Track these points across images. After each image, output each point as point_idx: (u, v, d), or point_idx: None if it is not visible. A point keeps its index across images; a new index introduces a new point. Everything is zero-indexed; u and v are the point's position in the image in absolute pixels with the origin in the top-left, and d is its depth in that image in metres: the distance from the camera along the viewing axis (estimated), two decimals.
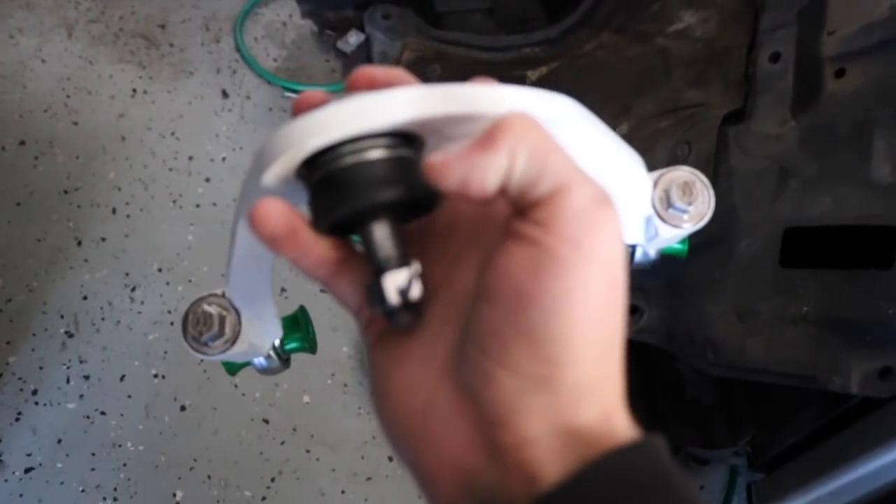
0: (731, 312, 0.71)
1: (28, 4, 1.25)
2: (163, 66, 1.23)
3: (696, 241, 0.39)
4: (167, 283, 1.08)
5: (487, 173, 0.22)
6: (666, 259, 0.39)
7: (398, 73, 0.27)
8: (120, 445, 0.99)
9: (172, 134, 1.18)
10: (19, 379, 1.01)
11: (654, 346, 0.78)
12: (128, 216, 1.11)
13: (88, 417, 1.00)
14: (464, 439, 0.24)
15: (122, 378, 1.02)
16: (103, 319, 1.05)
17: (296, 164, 0.24)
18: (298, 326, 0.40)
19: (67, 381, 1.02)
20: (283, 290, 1.05)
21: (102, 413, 1.00)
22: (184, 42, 1.25)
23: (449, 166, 0.23)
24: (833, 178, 0.69)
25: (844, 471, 0.74)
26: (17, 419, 0.99)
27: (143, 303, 1.06)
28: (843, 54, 0.73)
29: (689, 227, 0.34)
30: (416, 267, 0.25)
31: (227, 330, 0.33)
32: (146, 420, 1.00)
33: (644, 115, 0.89)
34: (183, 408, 1.01)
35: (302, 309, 0.41)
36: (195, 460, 0.99)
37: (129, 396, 1.01)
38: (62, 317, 1.05)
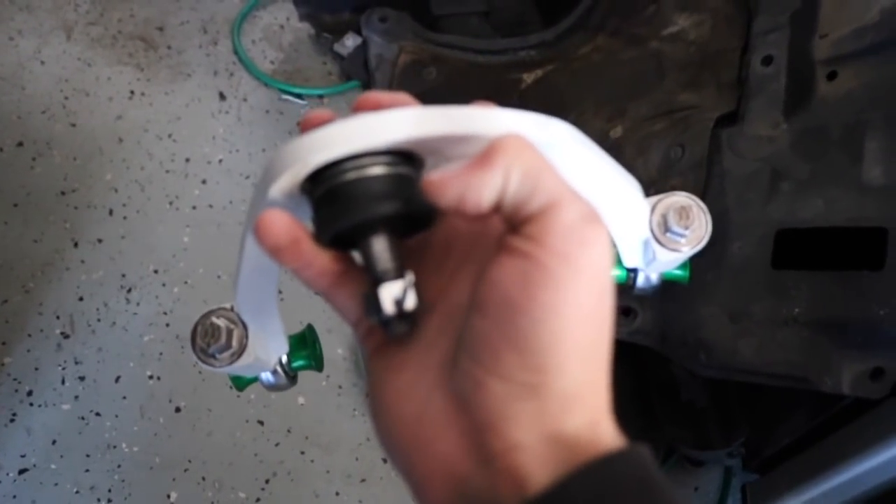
0: (723, 314, 0.72)
1: (28, 6, 1.25)
2: (160, 69, 1.23)
3: None
4: (163, 285, 1.08)
5: (483, 190, 0.23)
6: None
7: (402, 97, 0.28)
8: (114, 446, 0.99)
9: (169, 136, 1.18)
10: (14, 380, 1.01)
11: (648, 347, 0.79)
12: (124, 218, 1.12)
13: (83, 418, 1.00)
14: (455, 445, 0.24)
15: (117, 379, 1.03)
16: (99, 320, 1.05)
17: (301, 178, 0.25)
18: (306, 344, 0.42)
19: (63, 381, 1.02)
20: (279, 291, 1.05)
21: (97, 414, 1.00)
22: (182, 44, 1.25)
23: (447, 183, 0.24)
24: (825, 181, 0.69)
25: (838, 471, 0.74)
26: (12, 420, 0.99)
27: (138, 304, 1.06)
28: (835, 57, 0.73)
29: (686, 250, 0.35)
30: (410, 278, 0.26)
31: (234, 343, 0.35)
32: (141, 421, 1.00)
33: (638, 118, 0.90)
34: (178, 409, 1.01)
35: (310, 327, 0.42)
36: (190, 461, 0.99)
37: (124, 397, 1.01)
38: (58, 318, 1.05)
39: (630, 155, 0.85)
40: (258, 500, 0.98)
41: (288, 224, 0.25)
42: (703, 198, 0.76)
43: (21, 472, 0.97)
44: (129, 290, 1.07)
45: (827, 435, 0.78)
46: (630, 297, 0.79)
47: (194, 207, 1.13)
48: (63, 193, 1.12)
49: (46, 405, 1.00)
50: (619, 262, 0.38)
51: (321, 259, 0.26)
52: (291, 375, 0.41)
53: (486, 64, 1.09)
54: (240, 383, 0.42)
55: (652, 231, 0.35)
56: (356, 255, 0.27)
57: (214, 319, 0.35)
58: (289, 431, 1.02)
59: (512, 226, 0.24)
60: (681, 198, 0.35)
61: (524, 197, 0.24)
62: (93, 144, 1.16)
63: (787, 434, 0.82)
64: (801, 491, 0.79)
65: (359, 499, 1.00)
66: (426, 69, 1.10)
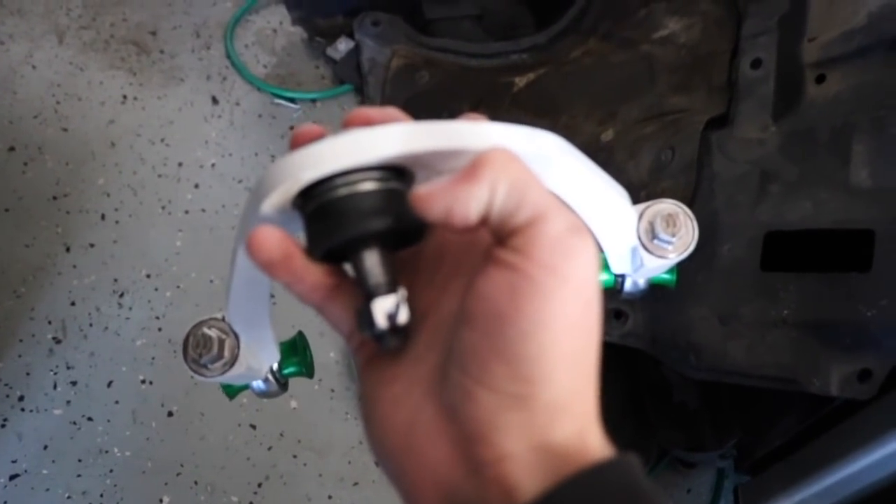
0: (713, 316, 0.72)
1: (20, 11, 1.25)
2: (153, 73, 1.23)
3: None
4: (155, 289, 1.08)
5: (470, 204, 0.24)
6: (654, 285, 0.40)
7: (393, 112, 0.28)
8: (106, 451, 0.99)
9: (162, 140, 1.18)
10: (5, 385, 1.01)
11: (640, 350, 0.79)
12: (116, 222, 1.11)
13: (75, 423, 1.00)
14: (445, 455, 0.25)
15: (109, 384, 1.02)
16: (91, 325, 1.05)
17: (292, 194, 0.25)
18: (296, 351, 0.41)
19: (54, 386, 1.01)
20: (272, 296, 1.05)
21: (89, 419, 1.00)
22: (174, 49, 1.25)
23: (434, 197, 0.24)
24: (813, 183, 0.70)
25: (829, 472, 0.74)
26: (3, 425, 0.99)
27: (131, 309, 1.06)
28: (823, 60, 0.74)
29: (673, 257, 0.36)
30: (402, 293, 0.26)
31: (226, 353, 0.35)
32: (133, 426, 1.00)
33: (629, 121, 0.90)
34: (170, 413, 1.01)
35: (300, 334, 0.42)
36: (182, 466, 0.99)
37: (117, 402, 1.01)
38: (50, 322, 1.05)
39: (621, 158, 0.85)
40: (251, 503, 0.98)
41: (280, 240, 0.25)
42: (692, 200, 0.77)
43: (12, 477, 0.97)
44: (122, 295, 1.07)
45: (818, 436, 0.78)
46: (621, 301, 0.79)
47: (187, 212, 1.13)
48: (55, 198, 1.12)
49: (38, 410, 1.00)
50: (606, 267, 0.38)
51: (313, 273, 0.27)
52: (282, 382, 0.41)
53: (479, 67, 1.10)
54: (231, 391, 0.41)
55: (639, 238, 0.36)
56: (348, 268, 0.27)
57: (206, 330, 0.35)
58: (281, 435, 1.01)
59: (499, 238, 0.25)
60: (668, 205, 0.36)
61: (511, 210, 0.24)
62: (85, 149, 1.16)
63: (779, 435, 0.83)
64: (792, 492, 0.80)
65: (351, 502, 0.99)
66: (419, 73, 1.10)
